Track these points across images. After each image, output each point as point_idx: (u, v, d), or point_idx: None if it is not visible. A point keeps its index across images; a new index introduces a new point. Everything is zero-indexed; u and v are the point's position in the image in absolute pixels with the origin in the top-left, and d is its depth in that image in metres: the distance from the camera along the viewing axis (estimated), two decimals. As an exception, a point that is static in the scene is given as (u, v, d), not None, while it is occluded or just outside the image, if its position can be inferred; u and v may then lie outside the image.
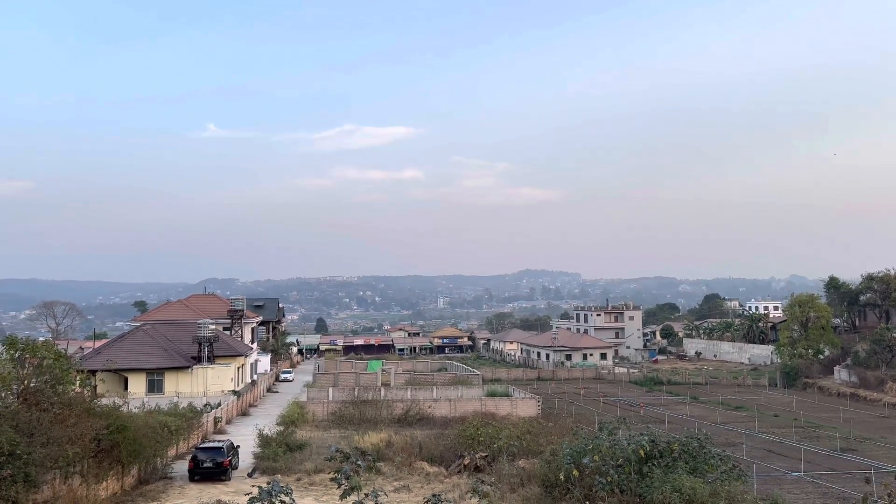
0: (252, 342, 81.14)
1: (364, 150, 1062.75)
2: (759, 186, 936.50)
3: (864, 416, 64.27)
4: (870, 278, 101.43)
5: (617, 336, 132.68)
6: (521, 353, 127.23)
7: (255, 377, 72.17)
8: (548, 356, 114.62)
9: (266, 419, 51.96)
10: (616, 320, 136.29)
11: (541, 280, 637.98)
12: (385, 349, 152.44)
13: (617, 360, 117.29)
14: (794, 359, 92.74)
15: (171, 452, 37.06)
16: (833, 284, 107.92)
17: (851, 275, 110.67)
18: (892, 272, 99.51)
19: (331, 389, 64.03)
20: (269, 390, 74.91)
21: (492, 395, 62.02)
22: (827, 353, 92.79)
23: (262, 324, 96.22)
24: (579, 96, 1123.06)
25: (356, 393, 60.61)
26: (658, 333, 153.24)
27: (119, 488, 29.74)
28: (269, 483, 9.94)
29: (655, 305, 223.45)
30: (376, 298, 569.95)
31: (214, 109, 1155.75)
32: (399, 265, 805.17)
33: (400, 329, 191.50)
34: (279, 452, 37.55)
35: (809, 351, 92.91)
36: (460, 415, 52.38)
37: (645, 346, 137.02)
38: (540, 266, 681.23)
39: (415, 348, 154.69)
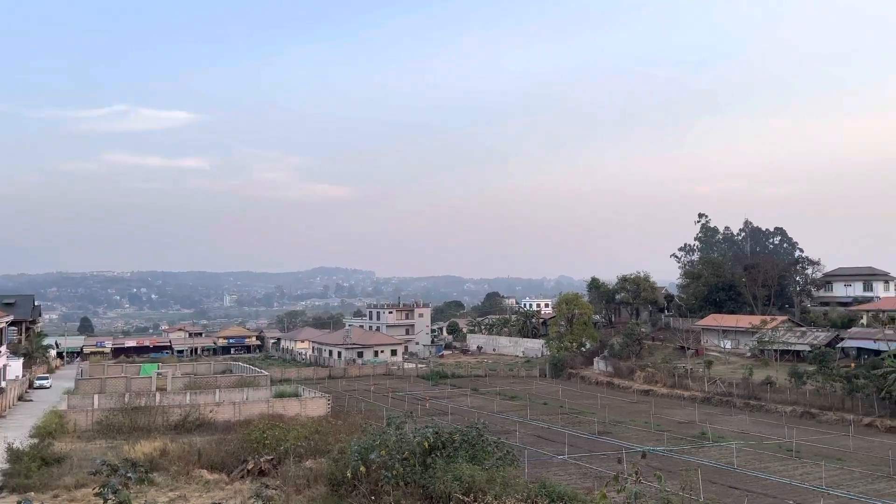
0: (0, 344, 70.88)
1: (139, 133, 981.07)
2: (534, 191, 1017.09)
3: (618, 402, 72.66)
4: (624, 279, 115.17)
5: (407, 332, 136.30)
6: (313, 351, 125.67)
7: (2, 384, 63.29)
8: (340, 354, 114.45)
9: (17, 431, 45.80)
10: (407, 317, 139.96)
11: (335, 278, 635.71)
12: (162, 351, 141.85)
13: (407, 356, 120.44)
14: (561, 351, 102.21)
15: None
16: (594, 284, 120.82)
17: (609, 275, 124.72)
18: (642, 274, 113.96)
19: (96, 396, 58.66)
20: (21, 399, 66.07)
21: (280, 395, 60.91)
22: (588, 345, 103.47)
23: (12, 324, 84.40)
24: (373, 95, 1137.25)
25: (126, 399, 56.08)
26: (445, 329, 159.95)
27: None
28: (19, 502, 8.80)
29: (443, 303, 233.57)
30: (153, 296, 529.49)
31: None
32: (180, 260, 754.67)
33: (180, 329, 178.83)
34: (32, 468, 33.38)
35: (574, 344, 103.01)
36: (246, 418, 50.82)
37: (433, 341, 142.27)
38: (334, 263, 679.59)
39: (196, 349, 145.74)
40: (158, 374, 76.92)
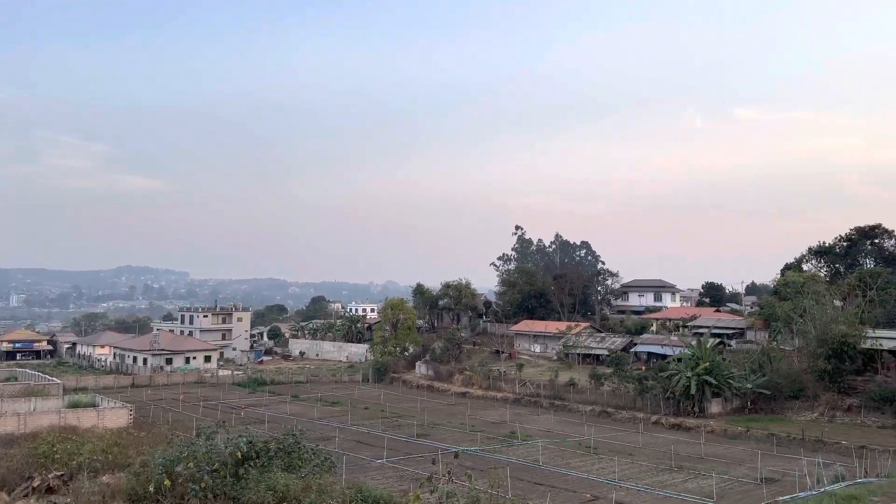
0: None
1: None
2: (363, 196, 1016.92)
3: (436, 405, 74.69)
4: (447, 286, 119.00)
5: (224, 338, 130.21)
6: (115, 358, 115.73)
7: None
8: (146, 361, 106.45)
9: None
10: (224, 322, 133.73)
11: (143, 278, 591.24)
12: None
13: (222, 363, 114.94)
14: (385, 356, 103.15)
15: None
16: (419, 290, 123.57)
17: (434, 282, 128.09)
18: (464, 282, 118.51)
19: None
20: None
21: (74, 406, 55.88)
22: (411, 350, 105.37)
23: None
24: (191, 86, 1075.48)
25: None
26: (265, 334, 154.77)
27: None
28: None
29: (265, 307, 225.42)
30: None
31: None
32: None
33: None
34: None
35: (398, 349, 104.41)
36: (33, 430, 46.34)
37: (252, 347, 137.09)
38: (142, 263, 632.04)
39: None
40: (-78, 383, 66.84)
